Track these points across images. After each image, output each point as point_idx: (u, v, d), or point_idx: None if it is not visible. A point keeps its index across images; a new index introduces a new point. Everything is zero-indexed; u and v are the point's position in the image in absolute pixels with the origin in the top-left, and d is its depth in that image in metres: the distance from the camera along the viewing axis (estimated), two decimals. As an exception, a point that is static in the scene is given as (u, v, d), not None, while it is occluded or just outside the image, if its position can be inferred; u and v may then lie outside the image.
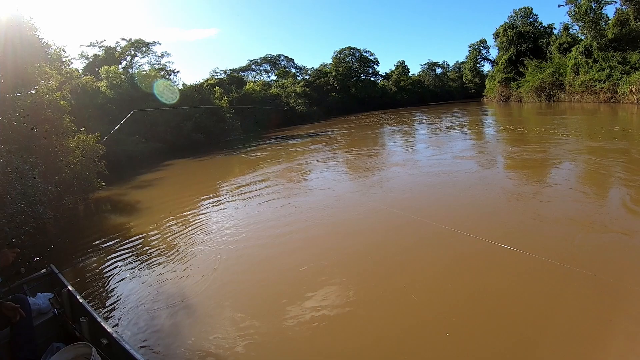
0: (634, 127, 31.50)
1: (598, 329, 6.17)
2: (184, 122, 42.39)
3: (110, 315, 8.16)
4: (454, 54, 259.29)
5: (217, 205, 17.23)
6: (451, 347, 6.09)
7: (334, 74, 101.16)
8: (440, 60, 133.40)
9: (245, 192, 18.90)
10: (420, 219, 11.95)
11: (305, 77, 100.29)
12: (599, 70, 56.51)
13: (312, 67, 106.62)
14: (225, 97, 55.47)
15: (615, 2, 58.90)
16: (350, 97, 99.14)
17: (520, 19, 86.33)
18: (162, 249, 11.95)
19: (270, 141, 44.52)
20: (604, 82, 55.05)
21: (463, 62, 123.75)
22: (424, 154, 25.99)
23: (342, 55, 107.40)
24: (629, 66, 52.28)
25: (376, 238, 11.40)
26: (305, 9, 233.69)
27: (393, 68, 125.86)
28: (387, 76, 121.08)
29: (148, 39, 73.84)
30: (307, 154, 31.73)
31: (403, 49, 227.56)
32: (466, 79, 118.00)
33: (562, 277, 7.73)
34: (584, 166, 18.63)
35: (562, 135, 28.64)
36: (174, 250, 11.72)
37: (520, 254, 8.69)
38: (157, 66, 64.05)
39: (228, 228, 13.35)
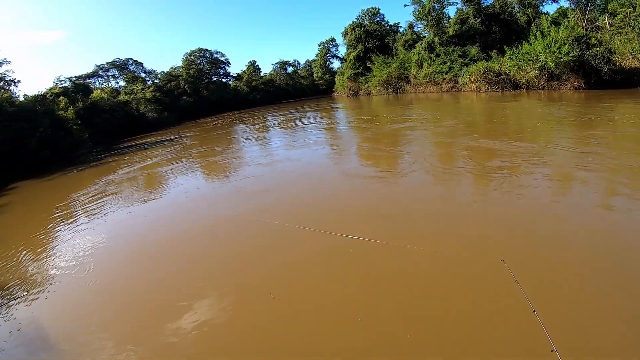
0: (475, 111, 35.38)
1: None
2: (28, 139, 37.04)
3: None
4: (304, 52, 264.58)
5: (71, 226, 15.61)
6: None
7: (184, 77, 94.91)
8: (291, 59, 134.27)
9: (98, 207, 17.81)
10: (283, 223, 11.77)
11: (156, 81, 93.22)
12: (441, 64, 60.28)
13: (163, 71, 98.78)
14: (71, 107, 50.80)
15: (457, 2, 63.78)
16: (203, 99, 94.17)
17: (368, 18, 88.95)
18: (16, 284, 10.71)
19: (121, 152, 41.00)
20: (446, 73, 58.74)
21: (313, 60, 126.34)
22: (279, 152, 25.75)
23: (192, 57, 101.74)
24: (468, 59, 56.62)
25: (228, 244, 11.35)
26: (155, 9, 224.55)
27: (244, 69, 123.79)
28: (238, 77, 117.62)
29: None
30: (158, 160, 30.31)
31: (254, 49, 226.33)
32: (317, 76, 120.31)
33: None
34: (435, 148, 20.15)
35: (414, 121, 30.92)
36: (28, 284, 10.59)
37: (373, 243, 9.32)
38: (-5, 76, 55.67)
39: (84, 250, 12.42)
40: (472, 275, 7.46)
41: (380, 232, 9.85)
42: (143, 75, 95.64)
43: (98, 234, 13.89)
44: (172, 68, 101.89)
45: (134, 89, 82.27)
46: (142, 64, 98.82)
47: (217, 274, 9.38)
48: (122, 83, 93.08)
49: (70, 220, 16.56)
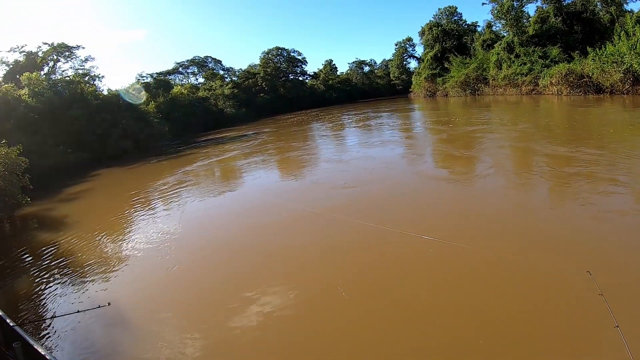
0: (555, 116, 34.86)
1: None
2: (111, 130, 40.44)
3: (46, 337, 7.77)
4: (381, 52, 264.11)
5: (149, 213, 17.06)
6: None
7: (262, 75, 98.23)
8: (367, 59, 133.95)
9: (176, 196, 19.20)
10: (358, 221, 12.00)
11: (234, 78, 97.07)
12: (520, 65, 58.95)
13: (241, 69, 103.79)
14: (152, 102, 53.68)
15: (536, 0, 62.04)
16: (279, 97, 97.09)
17: (445, 17, 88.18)
18: (94, 263, 11.59)
19: (199, 145, 43.77)
20: (526, 75, 57.22)
21: (390, 60, 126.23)
22: (355, 150, 26.56)
23: (270, 55, 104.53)
24: (549, 60, 54.84)
25: (302, 239, 11.80)
26: (233, 9, 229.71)
27: (321, 67, 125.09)
28: (315, 75, 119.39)
29: (71, 42, 67.00)
30: (235, 154, 32.28)
31: (331, 48, 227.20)
32: (393, 76, 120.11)
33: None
34: (512, 154, 20.23)
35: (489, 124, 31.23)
36: (106, 263, 11.46)
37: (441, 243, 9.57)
38: (80, 71, 59.12)
39: (162, 236, 13.30)
40: (554, 284, 7.44)
41: (459, 236, 9.92)
42: (221, 72, 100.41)
43: (176, 222, 14.82)
44: (250, 66, 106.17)
45: (212, 85, 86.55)
46: (221, 61, 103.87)
47: (291, 268, 9.81)
48: (201, 80, 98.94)
49: (149, 207, 18.14)
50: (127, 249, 12.54)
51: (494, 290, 7.64)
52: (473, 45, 77.87)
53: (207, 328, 7.62)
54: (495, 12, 65.84)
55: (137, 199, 19.82)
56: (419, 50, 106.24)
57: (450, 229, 10.77)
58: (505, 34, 66.94)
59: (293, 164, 24.22)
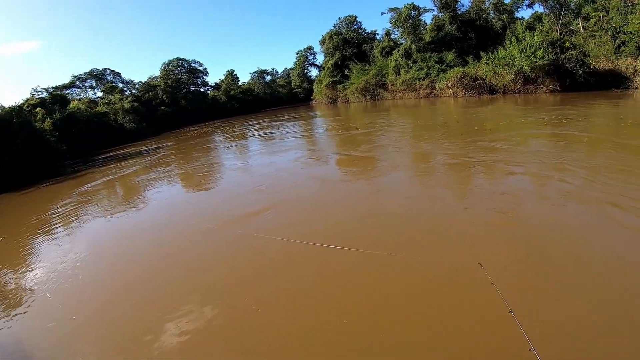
0: (451, 116, 35.02)
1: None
2: (3, 152, 36.15)
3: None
4: (282, 61, 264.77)
5: (49, 239, 15.31)
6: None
7: (162, 87, 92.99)
8: (269, 68, 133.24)
9: (76, 219, 17.51)
10: (259, 235, 11.43)
11: (134, 91, 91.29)
12: (418, 70, 60.69)
13: (140, 81, 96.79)
14: (49, 119, 49.02)
15: (433, 9, 64.67)
16: (181, 109, 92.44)
17: (345, 26, 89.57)
18: None
19: (99, 163, 40.24)
20: (423, 79, 59.13)
21: (291, 69, 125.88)
22: (256, 159, 26.15)
23: (170, 66, 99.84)
24: (445, 64, 57.39)
25: (204, 252, 11.11)
26: (131, 18, 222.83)
27: (223, 78, 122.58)
28: (217, 86, 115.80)
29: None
30: (136, 169, 30.17)
31: (232, 58, 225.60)
32: (295, 85, 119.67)
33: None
34: (407, 153, 20.38)
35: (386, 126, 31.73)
36: (6, 298, 10.33)
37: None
38: (-31, 86, 54.01)
39: (63, 262, 12.13)
40: (448, 280, 7.51)
41: (355, 240, 9.78)
42: (121, 85, 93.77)
43: (78, 246, 13.58)
44: (150, 78, 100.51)
45: (111, 99, 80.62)
46: (120, 74, 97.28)
47: (197, 283, 9.24)
48: (99, 93, 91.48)
49: (50, 232, 16.22)
50: (29, 281, 11.33)
51: (392, 291, 7.53)
52: (372, 52, 79.15)
53: (127, 352, 7.05)
54: (394, 20, 67.70)
55: (35, 225, 17.70)
56: (320, 59, 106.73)
57: (347, 233, 10.55)
58: (403, 41, 68.63)
59: (195, 175, 23.04)
